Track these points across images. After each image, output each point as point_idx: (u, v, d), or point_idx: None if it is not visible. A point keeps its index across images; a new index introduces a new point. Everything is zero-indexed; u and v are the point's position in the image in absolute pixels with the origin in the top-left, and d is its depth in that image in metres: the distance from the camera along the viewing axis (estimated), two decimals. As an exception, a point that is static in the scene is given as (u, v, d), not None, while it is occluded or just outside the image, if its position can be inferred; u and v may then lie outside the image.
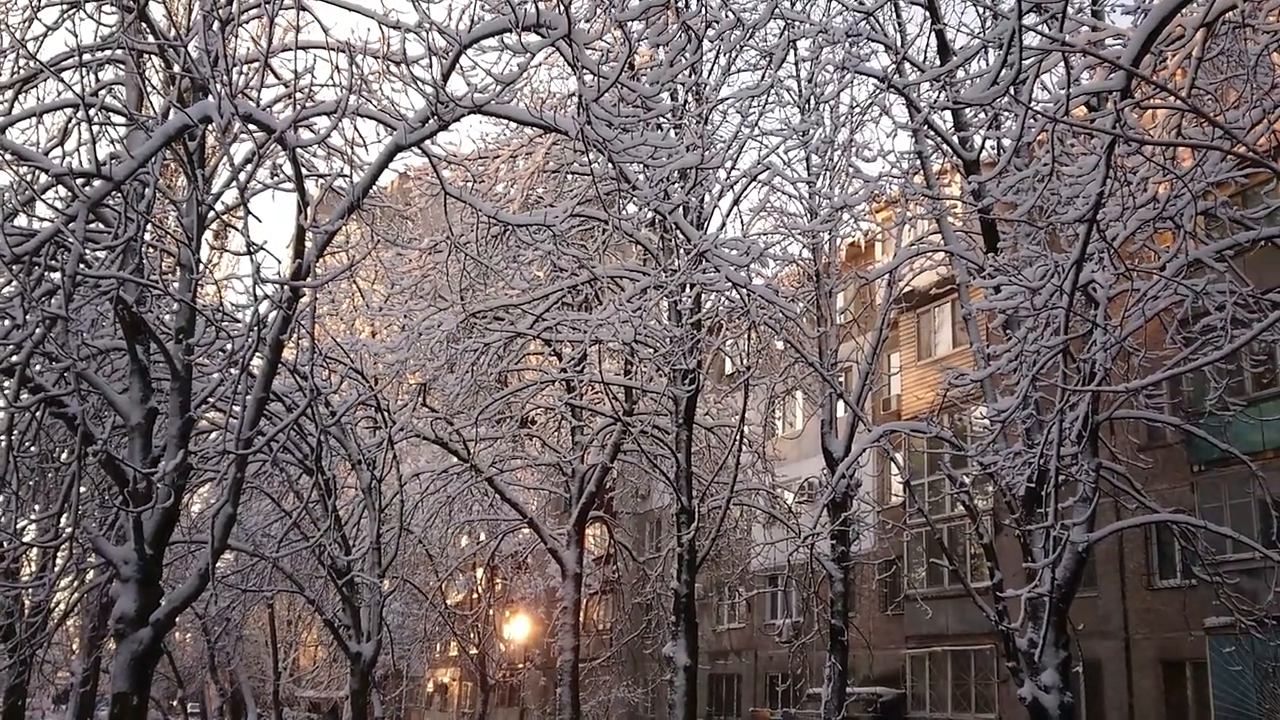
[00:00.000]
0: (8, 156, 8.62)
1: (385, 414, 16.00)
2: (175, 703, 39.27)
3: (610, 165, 10.40)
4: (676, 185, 14.24)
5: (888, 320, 18.56)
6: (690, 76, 15.34)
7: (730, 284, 13.26)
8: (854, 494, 17.77)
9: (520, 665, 41.44)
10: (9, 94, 10.18)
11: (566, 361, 19.53)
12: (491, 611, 34.87)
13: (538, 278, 18.27)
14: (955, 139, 12.50)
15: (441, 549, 26.27)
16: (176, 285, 10.55)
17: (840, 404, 18.25)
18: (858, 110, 13.77)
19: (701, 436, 20.87)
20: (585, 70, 8.02)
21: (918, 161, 13.85)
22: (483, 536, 30.63)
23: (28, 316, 7.24)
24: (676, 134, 13.88)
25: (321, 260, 9.94)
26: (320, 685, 45.14)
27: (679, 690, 16.91)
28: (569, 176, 17.74)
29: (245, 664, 37.44)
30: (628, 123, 8.87)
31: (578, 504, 21.41)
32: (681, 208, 13.94)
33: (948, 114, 12.71)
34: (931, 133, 12.78)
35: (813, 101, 15.84)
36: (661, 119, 13.02)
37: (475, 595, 34.03)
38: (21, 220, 9.62)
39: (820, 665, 20.18)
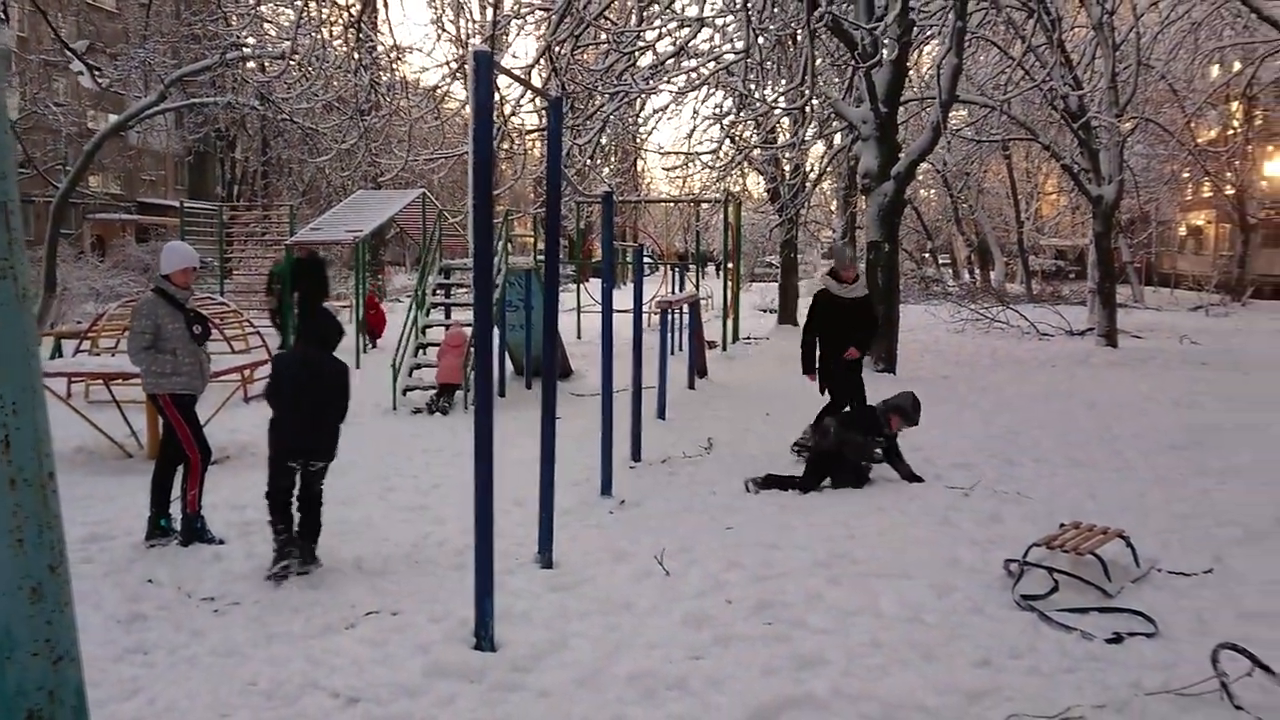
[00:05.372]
0: None
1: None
2: (926, 254, 42.14)
3: None
4: None
5: None
6: None
7: None
8: None
9: (1285, 203, 37.96)
10: None
11: None
12: (1250, 147, 32.27)
13: None
14: None
15: (1187, 82, 24.26)
16: None
17: None
18: None
19: None
20: None
21: None
22: (1236, 65, 27.61)
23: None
24: None
25: None
26: (1064, 233, 45.50)
27: None
28: None
29: (988, 215, 38.78)
30: None
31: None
32: None
33: None
34: None
35: None
36: None
37: (1230, 131, 31.64)
38: None
39: None
